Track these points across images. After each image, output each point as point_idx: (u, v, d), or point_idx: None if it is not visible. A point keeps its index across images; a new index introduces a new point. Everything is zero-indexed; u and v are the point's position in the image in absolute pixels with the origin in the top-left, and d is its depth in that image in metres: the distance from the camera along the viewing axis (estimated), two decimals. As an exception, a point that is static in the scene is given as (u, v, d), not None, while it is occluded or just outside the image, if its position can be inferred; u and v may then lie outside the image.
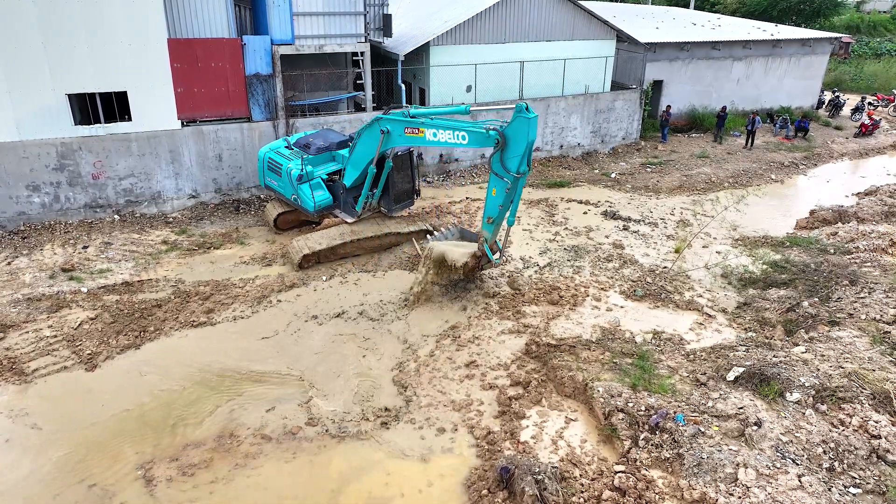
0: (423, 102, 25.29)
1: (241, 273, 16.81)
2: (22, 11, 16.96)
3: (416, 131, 15.56)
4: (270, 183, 18.99)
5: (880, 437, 10.21)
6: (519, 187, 14.25)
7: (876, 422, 10.48)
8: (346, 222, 18.26)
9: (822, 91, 37.91)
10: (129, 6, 18.05)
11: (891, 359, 12.32)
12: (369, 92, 22.91)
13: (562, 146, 27.53)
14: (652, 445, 10.47)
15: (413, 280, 15.99)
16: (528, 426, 11.43)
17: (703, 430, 10.61)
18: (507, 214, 14.83)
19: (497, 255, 15.57)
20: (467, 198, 22.56)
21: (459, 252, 15.34)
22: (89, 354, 13.17)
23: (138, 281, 16.10)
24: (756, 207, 22.61)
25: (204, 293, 15.57)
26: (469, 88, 25.09)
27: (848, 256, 17.56)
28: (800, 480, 9.51)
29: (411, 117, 15.66)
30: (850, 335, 13.32)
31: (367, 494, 10.03)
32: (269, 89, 21.00)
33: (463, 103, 14.75)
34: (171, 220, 19.92)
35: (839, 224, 20.26)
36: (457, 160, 25.36)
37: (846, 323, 13.94)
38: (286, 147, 18.70)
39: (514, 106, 13.55)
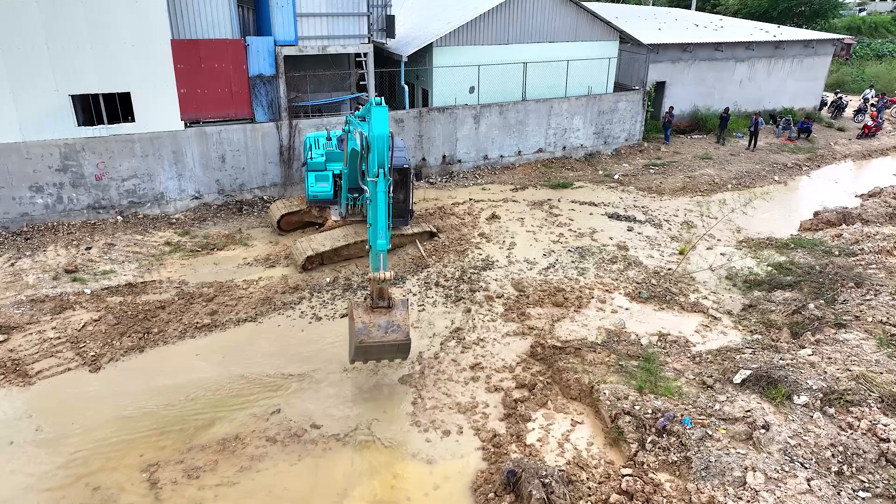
0: (426, 103, 25.25)
1: (244, 275, 16.76)
2: (25, 12, 16.93)
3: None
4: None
5: (889, 441, 10.14)
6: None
7: (885, 425, 10.42)
8: (333, 219, 18.58)
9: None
10: (133, 7, 18.02)
11: (898, 361, 12.27)
12: (372, 93, 22.84)
13: (564, 147, 27.49)
14: (659, 448, 10.42)
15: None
16: (534, 429, 11.38)
17: (710, 433, 10.56)
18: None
19: None
20: (470, 199, 22.50)
21: None
22: (93, 356, 13.12)
23: (142, 282, 16.05)
24: (760, 209, 22.55)
25: (207, 295, 15.52)
26: (472, 89, 25.07)
27: (853, 258, 17.51)
28: (809, 484, 9.47)
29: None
30: (856, 337, 13.27)
31: (372, 497, 9.98)
32: (272, 90, 20.97)
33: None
34: (174, 221, 19.88)
35: (843, 226, 20.20)
36: (459, 161, 25.31)
37: (853, 325, 13.89)
38: (326, 138, 19.24)
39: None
